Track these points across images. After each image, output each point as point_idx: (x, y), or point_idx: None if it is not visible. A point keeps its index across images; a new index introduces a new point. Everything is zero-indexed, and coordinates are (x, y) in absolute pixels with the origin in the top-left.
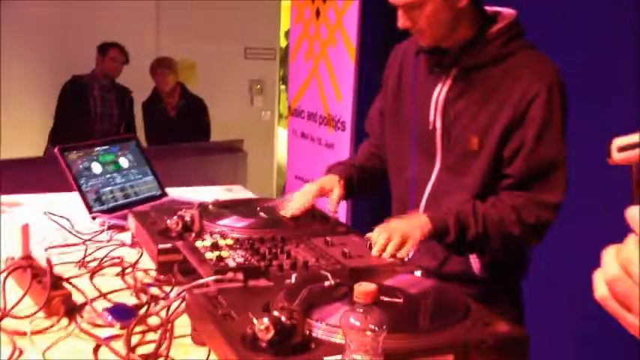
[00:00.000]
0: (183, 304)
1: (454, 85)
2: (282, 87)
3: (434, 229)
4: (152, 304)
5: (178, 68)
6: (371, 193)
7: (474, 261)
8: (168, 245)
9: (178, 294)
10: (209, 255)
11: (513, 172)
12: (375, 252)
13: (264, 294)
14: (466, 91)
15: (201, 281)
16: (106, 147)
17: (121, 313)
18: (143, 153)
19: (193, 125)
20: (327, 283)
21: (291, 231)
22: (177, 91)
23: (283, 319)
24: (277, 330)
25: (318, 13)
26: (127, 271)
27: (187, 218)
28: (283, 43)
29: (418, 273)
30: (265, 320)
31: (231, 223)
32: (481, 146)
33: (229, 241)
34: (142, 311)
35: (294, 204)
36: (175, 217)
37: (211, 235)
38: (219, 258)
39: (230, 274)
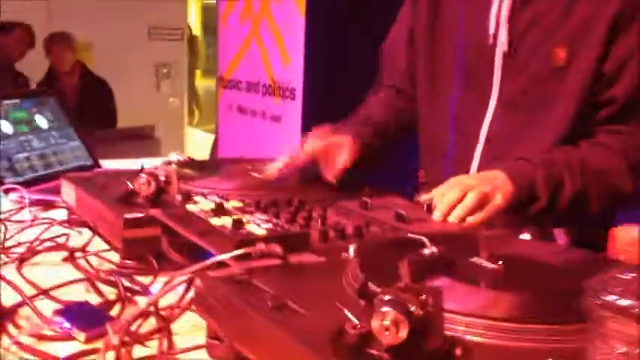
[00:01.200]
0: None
1: None
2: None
3: (518, 191)
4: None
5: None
6: (376, 164)
7: (561, 238)
8: (139, 215)
9: (184, 280)
10: (216, 222)
11: (618, 92)
12: (437, 214)
13: (316, 274)
14: None
15: (219, 258)
16: (17, 101)
17: (84, 318)
18: (66, 113)
19: (97, 110)
20: (426, 251)
21: (308, 193)
22: (77, 71)
23: (414, 309)
24: (413, 328)
25: None
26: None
27: (162, 177)
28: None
29: (526, 236)
30: (390, 311)
31: (222, 185)
32: (572, 60)
33: (236, 203)
34: (120, 312)
35: (282, 160)
36: (144, 177)
37: (205, 197)
38: (238, 224)
39: (261, 246)
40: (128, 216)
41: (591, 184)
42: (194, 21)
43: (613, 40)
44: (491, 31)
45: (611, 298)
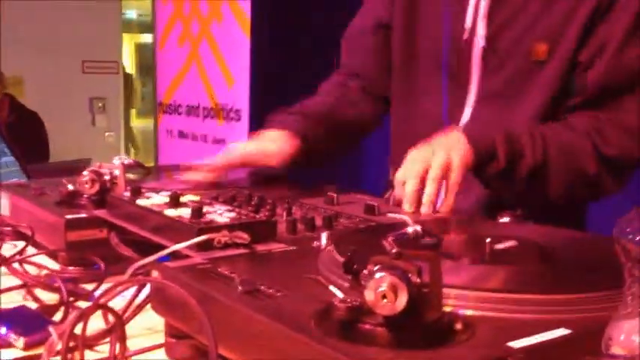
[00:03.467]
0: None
1: None
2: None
3: (475, 151)
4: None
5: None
6: (327, 160)
7: None
8: (83, 215)
9: (138, 273)
10: (172, 213)
11: (591, 80)
12: (407, 208)
13: (287, 261)
14: None
15: (178, 246)
16: None
17: (22, 323)
18: None
19: (28, 143)
20: (410, 229)
21: (269, 192)
22: (6, 104)
23: (411, 276)
24: (412, 296)
25: None
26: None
27: (107, 176)
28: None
29: (506, 219)
30: (386, 276)
31: (176, 184)
32: (552, 54)
33: (193, 197)
34: (63, 317)
35: (209, 165)
36: (87, 174)
37: (157, 193)
38: (197, 212)
39: (225, 234)
40: (70, 217)
41: (553, 157)
42: (128, 59)
43: (590, 30)
44: (468, 25)
45: None
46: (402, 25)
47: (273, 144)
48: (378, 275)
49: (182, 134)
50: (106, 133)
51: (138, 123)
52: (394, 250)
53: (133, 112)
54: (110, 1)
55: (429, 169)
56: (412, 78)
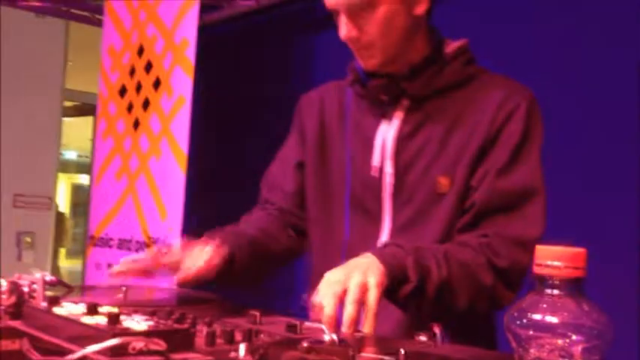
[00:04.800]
0: None
1: (407, 118)
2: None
3: (389, 272)
4: None
5: None
6: (248, 284)
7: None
8: None
9: None
10: (89, 320)
11: (476, 199)
12: (326, 329)
13: None
14: (424, 124)
15: (88, 350)
16: None
17: None
18: None
19: None
20: (326, 338)
21: (191, 311)
22: None
23: None
24: None
25: (137, 124)
26: None
27: (25, 288)
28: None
29: (423, 338)
30: None
31: (96, 299)
32: (452, 186)
33: (112, 308)
34: None
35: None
36: (5, 285)
37: (75, 304)
38: (114, 319)
39: (140, 340)
40: None
41: (455, 272)
42: (63, 199)
43: (480, 160)
44: (377, 164)
45: (537, 316)
46: (314, 165)
47: (202, 252)
48: None
49: (111, 267)
50: (32, 270)
51: (66, 263)
52: (305, 345)
53: (63, 252)
54: (48, 137)
55: (347, 291)
56: (326, 215)
